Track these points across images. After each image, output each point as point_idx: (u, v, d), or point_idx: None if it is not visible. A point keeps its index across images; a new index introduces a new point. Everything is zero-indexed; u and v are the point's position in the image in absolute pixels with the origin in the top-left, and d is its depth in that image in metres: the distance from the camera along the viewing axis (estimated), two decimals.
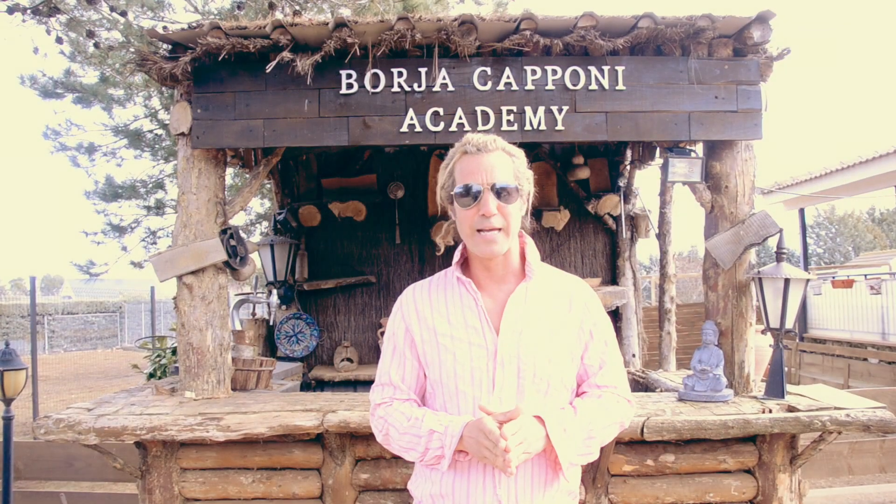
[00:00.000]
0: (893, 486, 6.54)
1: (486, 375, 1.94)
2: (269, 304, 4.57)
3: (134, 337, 24.74)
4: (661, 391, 4.07)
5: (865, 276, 14.96)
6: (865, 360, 12.52)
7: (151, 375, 7.48)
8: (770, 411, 3.28)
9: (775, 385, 3.57)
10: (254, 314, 5.32)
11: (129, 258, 12.20)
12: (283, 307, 5.44)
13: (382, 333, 5.59)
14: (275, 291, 4.64)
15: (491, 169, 1.94)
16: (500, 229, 1.94)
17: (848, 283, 14.83)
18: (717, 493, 3.45)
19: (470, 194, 1.94)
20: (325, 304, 5.76)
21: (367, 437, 3.41)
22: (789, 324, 3.55)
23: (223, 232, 3.69)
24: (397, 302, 2.11)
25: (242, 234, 3.82)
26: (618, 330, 5.75)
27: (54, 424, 3.23)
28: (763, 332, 3.78)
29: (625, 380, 2.10)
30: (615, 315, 5.77)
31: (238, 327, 5.06)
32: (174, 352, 7.14)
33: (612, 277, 5.78)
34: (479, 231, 1.94)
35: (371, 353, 5.68)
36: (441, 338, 1.98)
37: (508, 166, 1.97)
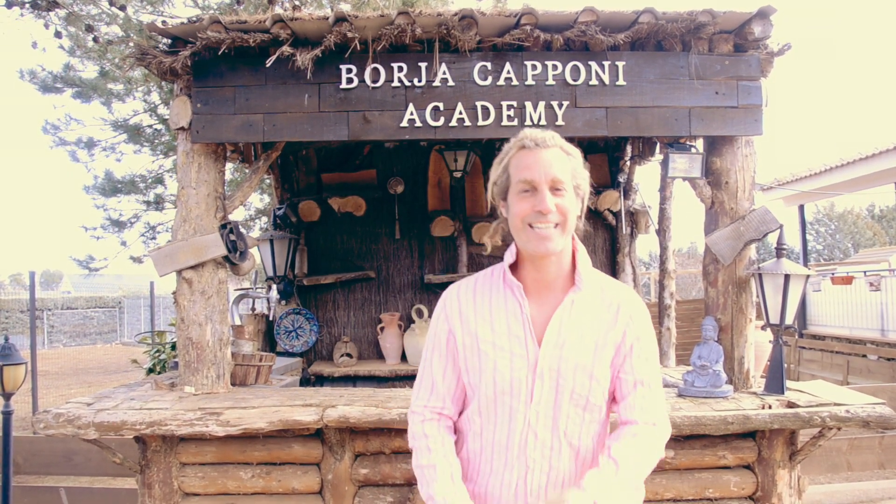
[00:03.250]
0: (892, 483, 6.55)
1: (524, 387, 1.90)
2: (268, 300, 4.56)
3: (133, 332, 24.76)
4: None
5: (865, 272, 14.95)
6: (864, 356, 12.53)
7: (151, 370, 7.46)
8: (770, 407, 3.28)
9: (775, 381, 3.57)
10: (253, 309, 5.32)
11: (128, 253, 12.21)
12: (283, 302, 5.44)
13: (382, 329, 5.60)
14: (274, 286, 4.63)
15: (549, 164, 1.89)
16: (556, 225, 1.89)
17: (847, 280, 14.83)
18: (717, 488, 3.45)
19: (527, 189, 1.89)
20: (325, 300, 5.76)
21: (366, 432, 3.41)
22: (789, 320, 3.55)
23: (223, 227, 3.68)
24: (441, 300, 2.07)
25: (242, 230, 3.81)
26: None
27: (54, 419, 3.22)
28: (763, 328, 3.77)
29: (661, 402, 2.01)
30: None
31: (237, 322, 5.06)
32: (173, 347, 7.13)
33: (612, 273, 5.78)
34: (532, 226, 1.89)
35: (371, 349, 5.69)
36: (483, 344, 1.95)
37: (566, 164, 1.92)
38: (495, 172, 1.98)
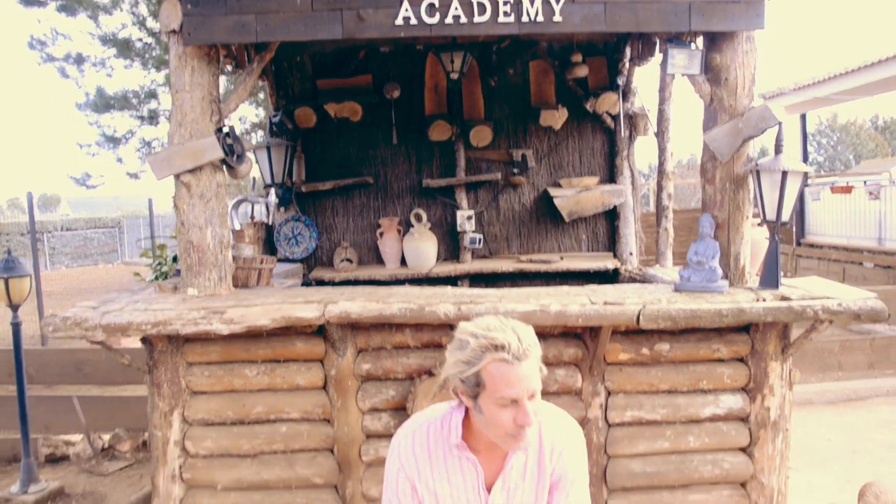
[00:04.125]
0: (880, 381, 6.73)
1: None
2: (267, 205, 4.57)
3: (134, 251, 24.86)
4: (658, 285, 4.12)
5: (865, 181, 14.96)
6: (861, 264, 12.65)
7: (153, 282, 7.56)
8: (764, 300, 3.32)
9: (770, 276, 3.61)
10: (252, 217, 5.35)
11: (124, 169, 12.17)
12: (282, 209, 5.46)
13: (381, 234, 5.63)
14: (273, 191, 4.63)
15: (530, 378, 1.97)
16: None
17: (847, 189, 14.84)
18: (711, 380, 3.54)
19: (510, 404, 1.97)
20: (324, 206, 5.77)
21: (367, 328, 3.48)
22: (786, 216, 3.56)
23: (219, 130, 3.66)
24: (395, 452, 2.21)
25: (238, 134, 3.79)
26: (615, 229, 5.79)
27: (62, 322, 3.27)
28: (759, 224, 3.80)
29: None
30: (613, 214, 5.80)
31: (237, 227, 5.08)
32: (175, 259, 7.20)
33: (611, 176, 5.77)
34: (513, 436, 2.01)
35: (370, 254, 5.74)
36: (441, 498, 2.16)
37: (537, 367, 2.01)
38: (457, 367, 2.02)
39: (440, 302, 3.26)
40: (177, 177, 3.63)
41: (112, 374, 6.39)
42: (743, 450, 3.59)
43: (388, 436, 3.51)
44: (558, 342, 3.49)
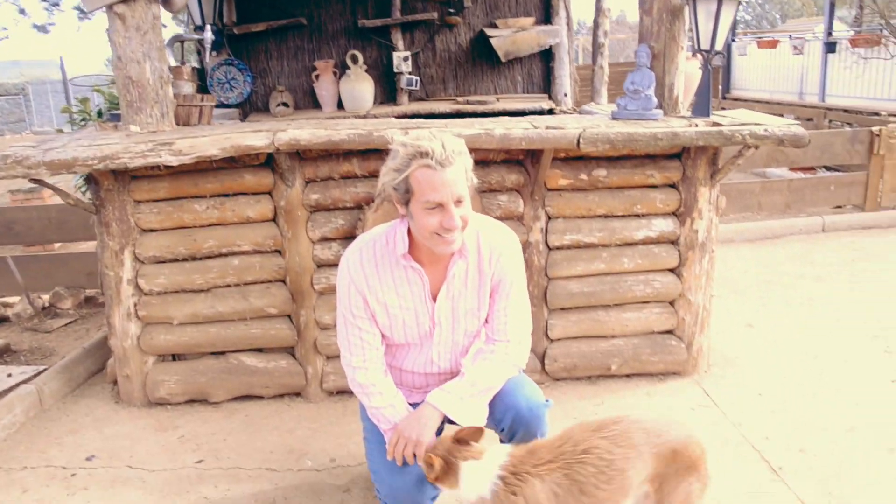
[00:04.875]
0: (795, 220, 7.16)
1: (426, 332, 2.40)
2: (201, 42, 4.39)
3: (44, 119, 23.53)
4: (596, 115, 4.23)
5: (790, 35, 15.21)
6: (782, 116, 13.09)
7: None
8: (696, 126, 3.47)
9: (702, 104, 3.76)
10: (184, 62, 5.17)
11: (29, 22, 11.39)
12: (214, 54, 5.28)
13: (317, 77, 5.54)
14: (209, 27, 4.46)
15: (454, 183, 2.09)
16: (461, 229, 2.17)
17: (772, 44, 15.10)
18: (644, 205, 3.73)
19: (433, 207, 2.10)
20: (257, 50, 5.60)
21: (315, 159, 3.51)
22: (719, 45, 3.67)
23: None
24: (345, 268, 2.38)
25: None
26: (551, 70, 5.83)
27: (1, 161, 3.19)
28: (693, 54, 3.91)
29: (522, 326, 2.45)
30: (548, 56, 5.82)
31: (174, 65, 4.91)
32: (100, 114, 6.93)
33: (546, 17, 5.75)
34: (440, 234, 2.14)
35: (306, 98, 5.68)
36: (391, 309, 2.35)
37: (465, 174, 2.14)
38: (389, 175, 2.17)
39: (387, 128, 3.30)
40: (109, 8, 3.46)
41: (46, 233, 6.23)
42: (672, 270, 3.85)
43: (338, 264, 3.63)
44: (500, 168, 3.60)
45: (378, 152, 3.47)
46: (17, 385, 3.93)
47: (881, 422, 3.36)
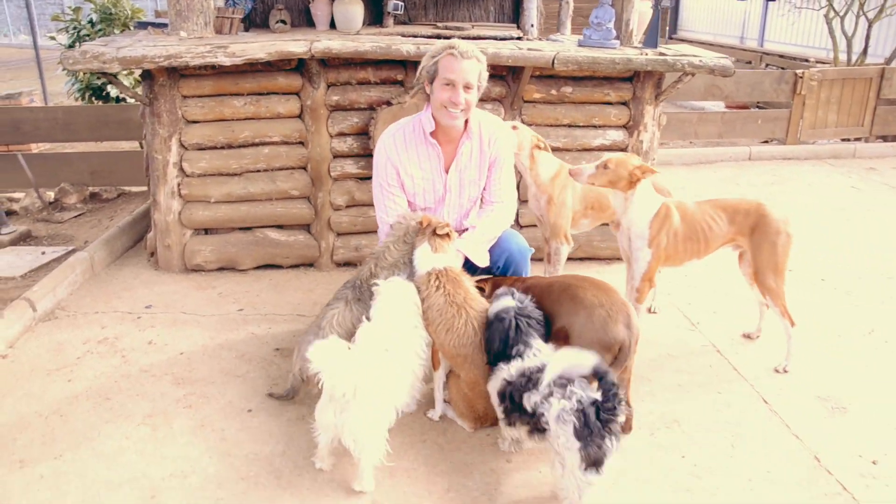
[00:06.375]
0: (726, 149, 8.12)
1: (440, 197, 3.23)
2: None
3: (18, 25, 22.65)
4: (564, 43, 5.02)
5: None
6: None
7: (71, 47, 7.58)
8: (646, 54, 4.30)
9: (651, 38, 4.60)
10: None
11: None
12: None
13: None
14: None
15: (467, 72, 2.93)
16: (462, 110, 2.97)
17: None
18: (601, 118, 4.58)
19: (448, 84, 2.93)
20: None
21: (337, 66, 4.25)
22: None
23: None
24: (382, 147, 3.18)
25: None
26: (520, 2, 6.46)
27: (80, 55, 3.81)
28: None
29: (511, 192, 3.33)
30: None
31: None
32: (91, 22, 7.21)
33: None
34: (447, 108, 2.96)
35: (301, 17, 6.10)
36: (416, 179, 3.18)
37: (476, 70, 2.96)
38: (427, 62, 3.00)
39: (402, 43, 4.07)
40: None
41: (52, 133, 6.60)
42: None
43: (351, 156, 4.41)
44: (488, 82, 4.39)
45: (389, 63, 4.24)
46: (70, 253, 4.63)
47: None
